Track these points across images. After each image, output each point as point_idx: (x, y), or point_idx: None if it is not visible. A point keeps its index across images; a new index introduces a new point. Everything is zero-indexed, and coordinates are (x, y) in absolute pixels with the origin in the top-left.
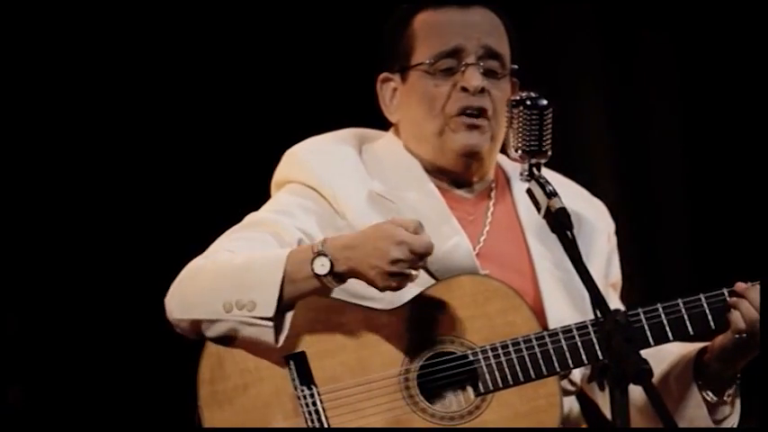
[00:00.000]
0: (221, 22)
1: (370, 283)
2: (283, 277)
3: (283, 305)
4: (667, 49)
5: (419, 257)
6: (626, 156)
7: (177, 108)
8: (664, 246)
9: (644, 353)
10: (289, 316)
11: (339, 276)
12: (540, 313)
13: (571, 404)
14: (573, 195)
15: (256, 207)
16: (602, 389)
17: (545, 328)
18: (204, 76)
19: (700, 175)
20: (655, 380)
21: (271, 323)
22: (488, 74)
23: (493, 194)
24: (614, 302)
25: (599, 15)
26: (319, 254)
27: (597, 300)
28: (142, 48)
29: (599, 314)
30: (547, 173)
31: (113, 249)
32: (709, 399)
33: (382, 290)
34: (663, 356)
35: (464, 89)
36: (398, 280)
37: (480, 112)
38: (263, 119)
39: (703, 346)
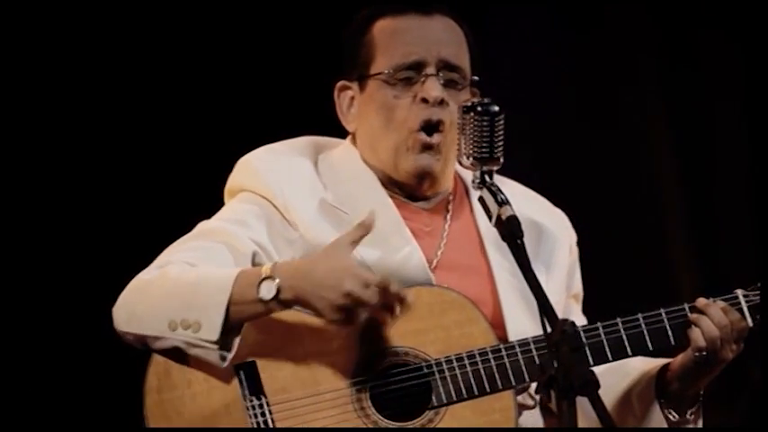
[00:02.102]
0: (179, 27)
1: (318, 313)
2: (230, 299)
3: (230, 326)
4: (730, 49)
5: (373, 293)
6: (690, 158)
7: (133, 114)
8: (726, 247)
9: (607, 368)
10: (237, 338)
11: (284, 303)
12: (499, 325)
13: (534, 419)
14: (534, 206)
15: (210, 214)
16: (548, 400)
17: (504, 339)
18: (160, 82)
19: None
20: (617, 396)
21: (215, 346)
22: (448, 84)
23: (451, 206)
24: (576, 314)
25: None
26: (267, 278)
27: (546, 309)
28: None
29: (546, 324)
30: (509, 182)
31: (58, 254)
32: (671, 417)
33: (330, 321)
34: (626, 372)
35: (424, 100)
36: (348, 314)
37: (439, 125)
38: (218, 125)
39: (666, 362)
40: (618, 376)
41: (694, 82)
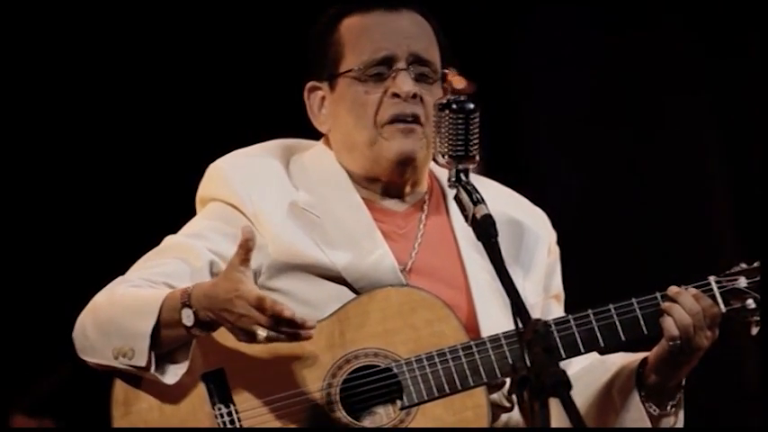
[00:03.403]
0: (150, 29)
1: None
2: (157, 324)
3: (166, 349)
4: None
5: (265, 317)
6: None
7: (108, 118)
8: None
9: (589, 364)
10: (183, 355)
11: (207, 327)
12: (473, 328)
13: (514, 421)
14: (514, 205)
15: (185, 219)
16: (520, 402)
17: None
18: (133, 85)
19: None
20: (598, 392)
21: (149, 371)
22: (420, 78)
23: (426, 206)
24: (557, 315)
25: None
26: (184, 305)
27: (518, 308)
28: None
29: (519, 323)
30: (490, 183)
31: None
32: (652, 411)
33: (240, 341)
34: (607, 367)
35: (395, 95)
36: (249, 336)
37: (414, 119)
38: (191, 130)
39: (645, 355)
40: (598, 372)
41: (742, 83)
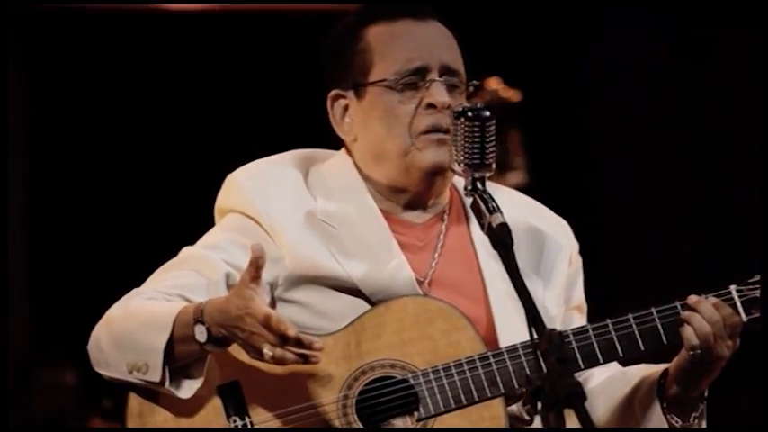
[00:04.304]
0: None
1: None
2: (171, 339)
3: (180, 363)
4: None
5: (272, 336)
6: None
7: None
8: None
9: (611, 375)
10: (198, 370)
11: (220, 343)
12: (493, 338)
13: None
14: (535, 214)
15: (204, 230)
16: (535, 412)
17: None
18: (153, 95)
19: None
20: (620, 404)
21: (163, 386)
22: (450, 89)
23: (446, 217)
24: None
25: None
26: (197, 321)
27: (533, 318)
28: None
29: (534, 333)
30: (511, 192)
31: None
32: (674, 422)
33: (252, 358)
34: (628, 378)
35: (431, 106)
36: (258, 354)
37: (447, 130)
38: (211, 140)
39: (667, 366)
40: (620, 383)
41: None
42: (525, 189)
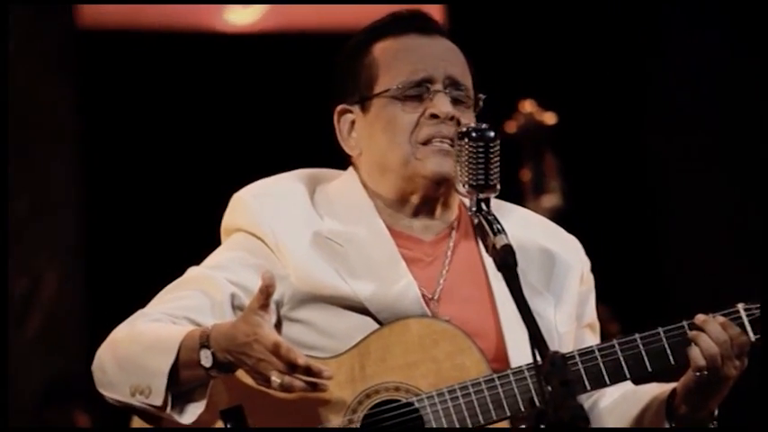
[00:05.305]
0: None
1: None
2: (176, 363)
3: (184, 388)
4: None
5: (281, 363)
6: None
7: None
8: None
9: (622, 394)
10: (200, 394)
11: (226, 368)
12: (502, 357)
13: None
14: (545, 233)
15: (210, 249)
16: None
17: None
18: (159, 113)
19: None
20: (630, 423)
21: (165, 410)
22: (455, 102)
23: (454, 233)
24: (590, 344)
25: None
26: (203, 346)
27: (536, 340)
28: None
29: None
30: (518, 209)
31: None
32: None
33: (259, 385)
34: (638, 398)
35: (434, 116)
36: (266, 381)
37: (450, 141)
38: (217, 159)
39: (675, 386)
40: (630, 403)
41: None
42: (560, 211)
